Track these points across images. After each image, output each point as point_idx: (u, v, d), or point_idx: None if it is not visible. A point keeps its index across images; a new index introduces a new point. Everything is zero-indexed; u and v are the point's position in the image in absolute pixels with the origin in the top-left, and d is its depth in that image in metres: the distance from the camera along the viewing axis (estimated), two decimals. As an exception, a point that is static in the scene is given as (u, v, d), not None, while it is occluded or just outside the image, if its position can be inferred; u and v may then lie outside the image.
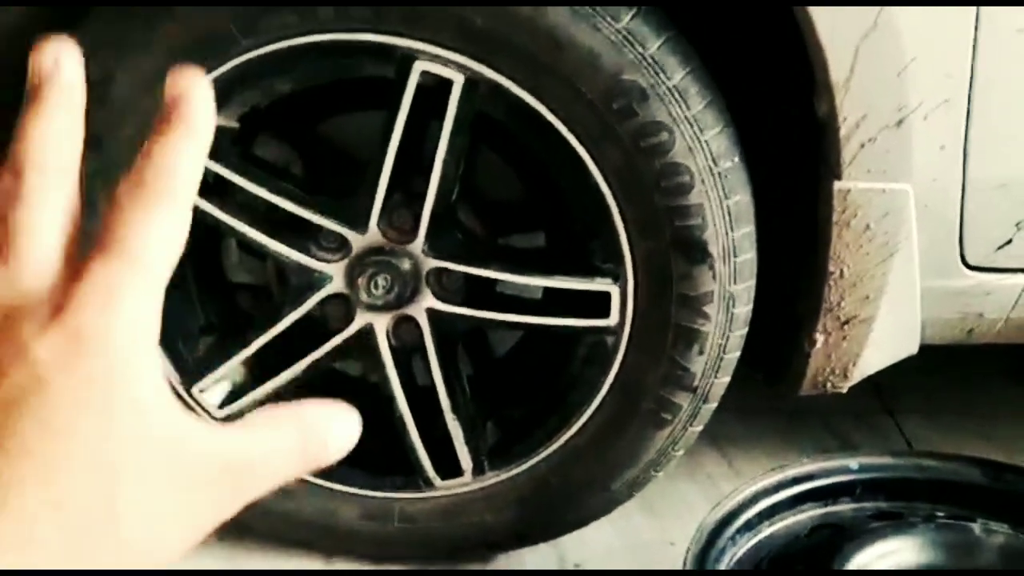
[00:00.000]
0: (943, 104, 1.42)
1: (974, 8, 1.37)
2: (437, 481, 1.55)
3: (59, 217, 0.44)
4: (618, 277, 1.43)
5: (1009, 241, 1.53)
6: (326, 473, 1.55)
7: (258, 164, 1.48)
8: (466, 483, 1.55)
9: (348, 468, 1.57)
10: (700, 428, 1.54)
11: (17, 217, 0.43)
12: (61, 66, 0.45)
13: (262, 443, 0.46)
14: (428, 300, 1.46)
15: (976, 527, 1.52)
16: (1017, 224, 1.52)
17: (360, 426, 0.48)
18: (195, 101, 0.45)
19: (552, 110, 1.35)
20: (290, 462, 0.46)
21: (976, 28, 1.38)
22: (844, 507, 1.58)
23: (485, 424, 1.60)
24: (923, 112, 1.41)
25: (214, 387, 1.49)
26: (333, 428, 0.48)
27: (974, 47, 1.39)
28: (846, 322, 1.52)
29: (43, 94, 0.45)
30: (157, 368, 0.43)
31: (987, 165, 1.47)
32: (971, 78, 1.41)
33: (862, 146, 1.41)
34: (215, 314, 1.61)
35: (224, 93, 1.37)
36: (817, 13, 1.32)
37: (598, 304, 1.45)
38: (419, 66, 1.33)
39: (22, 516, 0.40)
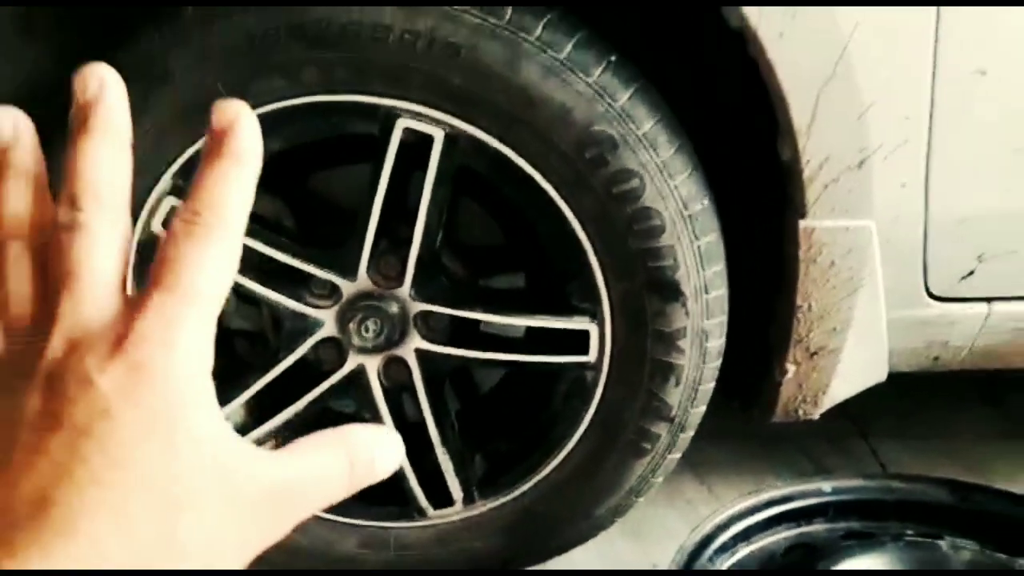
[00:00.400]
0: (903, 145, 1.46)
1: (932, 52, 1.41)
2: (430, 511, 1.60)
3: (116, 248, 0.45)
4: (596, 316, 1.48)
5: (971, 272, 1.58)
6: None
7: (252, 218, 1.52)
8: (457, 512, 1.60)
9: (347, 500, 1.61)
10: (678, 456, 1.59)
11: (78, 249, 0.44)
12: (105, 91, 0.45)
13: (312, 466, 0.47)
14: (416, 341, 1.50)
15: (944, 544, 1.55)
16: (979, 256, 1.56)
17: (403, 447, 0.50)
18: (242, 132, 0.45)
19: (528, 161, 1.40)
20: (339, 483, 0.47)
21: (934, 71, 1.43)
22: (817, 528, 1.61)
23: (474, 457, 1.65)
24: (883, 153, 1.46)
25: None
26: (378, 449, 0.49)
27: (932, 89, 1.44)
28: (815, 353, 1.57)
29: (90, 122, 0.45)
30: (212, 398, 0.44)
31: (947, 201, 1.51)
32: (930, 119, 1.46)
33: (825, 187, 1.46)
34: (215, 359, 1.65)
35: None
36: (779, 64, 1.37)
37: (577, 341, 1.50)
38: (401, 123, 1.38)
39: (93, 541, 0.40)
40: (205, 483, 0.43)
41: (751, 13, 1.35)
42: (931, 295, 1.59)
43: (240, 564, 0.45)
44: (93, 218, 0.44)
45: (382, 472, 0.49)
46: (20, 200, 0.45)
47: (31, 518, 0.40)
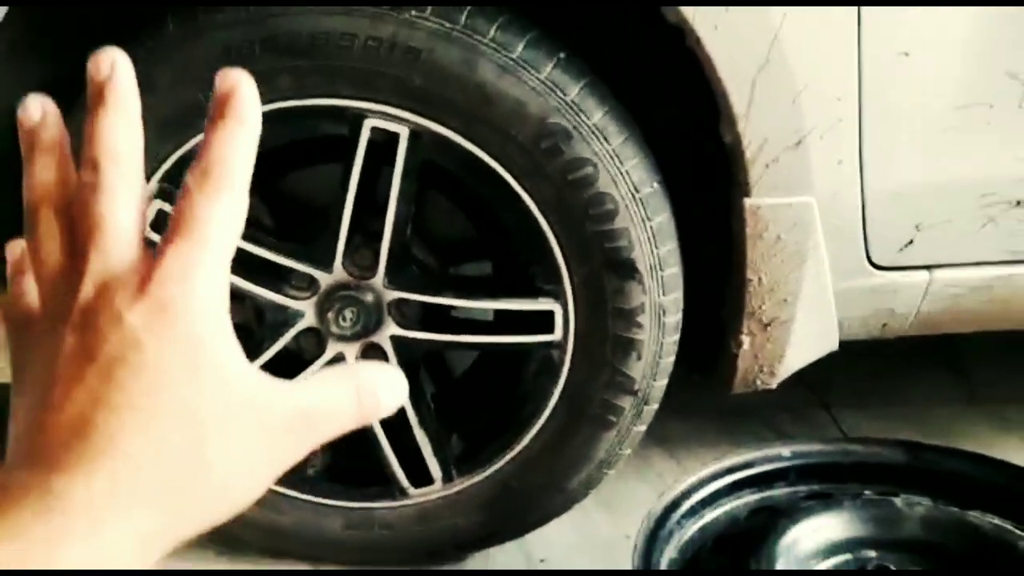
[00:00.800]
0: (836, 124, 1.69)
1: (856, 37, 1.64)
2: (411, 490, 1.84)
3: (133, 203, 0.53)
4: (559, 296, 1.71)
5: (911, 242, 1.80)
6: (312, 489, 1.85)
7: (233, 217, 1.77)
8: (437, 490, 1.84)
9: (331, 483, 1.87)
10: (644, 428, 1.82)
11: (100, 206, 0.52)
12: (116, 72, 0.53)
13: (323, 397, 0.54)
14: (391, 328, 1.74)
15: (899, 502, 1.72)
16: (916, 226, 1.79)
17: (407, 386, 0.57)
18: (243, 96, 0.53)
19: (489, 153, 1.63)
20: (348, 413, 0.55)
21: (859, 54, 1.65)
22: (779, 491, 1.80)
23: (450, 436, 1.89)
24: (819, 133, 1.68)
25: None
26: (383, 385, 0.56)
27: (859, 71, 1.66)
28: (768, 324, 1.80)
29: (105, 99, 0.53)
30: (230, 331, 0.52)
31: (882, 175, 1.74)
32: (859, 99, 1.68)
33: (767, 166, 1.68)
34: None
35: (200, 159, 1.67)
36: (716, 55, 1.60)
37: (543, 322, 1.73)
38: (369, 123, 1.63)
39: (130, 461, 0.48)
40: (228, 407, 0.50)
41: (687, 10, 1.58)
42: (874, 265, 1.81)
43: (262, 483, 0.53)
44: (111, 178, 0.52)
45: (387, 407, 0.56)
46: (48, 170, 0.54)
47: (74, 439, 0.48)
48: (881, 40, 1.67)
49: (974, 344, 2.13)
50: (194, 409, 0.50)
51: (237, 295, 1.74)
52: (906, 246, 1.82)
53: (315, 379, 0.56)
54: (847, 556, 1.69)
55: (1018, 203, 1.81)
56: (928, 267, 1.85)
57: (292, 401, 0.53)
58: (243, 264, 1.70)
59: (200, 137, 1.45)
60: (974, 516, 1.72)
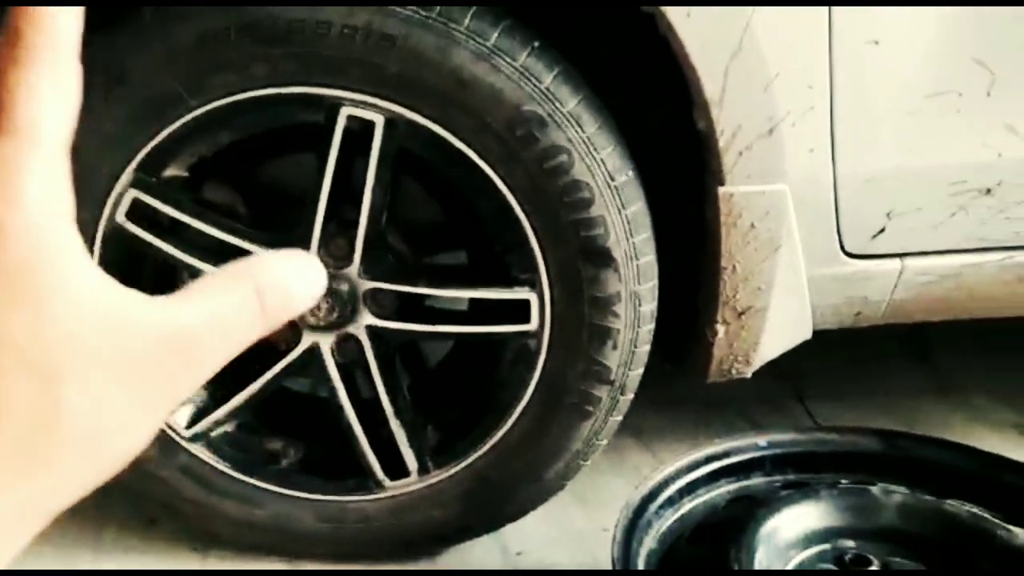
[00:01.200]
0: (808, 112, 1.78)
1: (827, 25, 1.73)
2: (386, 482, 1.92)
3: None
4: (535, 285, 1.79)
5: (882, 230, 1.90)
6: (286, 481, 1.93)
7: (207, 206, 1.85)
8: (413, 482, 1.92)
9: (306, 476, 1.95)
10: (620, 418, 1.90)
11: None
12: None
13: (211, 307, 0.46)
14: (367, 318, 1.83)
15: (876, 490, 1.80)
16: (887, 214, 1.89)
17: (324, 274, 0.50)
18: None
19: (463, 141, 1.71)
20: (247, 324, 0.47)
21: (830, 42, 1.75)
22: (756, 481, 1.90)
23: (426, 427, 1.97)
24: (791, 120, 1.77)
25: (180, 409, 1.86)
26: (294, 277, 0.49)
27: (830, 60, 1.76)
28: (742, 312, 1.89)
29: None
30: (79, 247, 0.44)
31: (853, 163, 1.83)
32: (830, 87, 1.77)
33: (740, 154, 1.77)
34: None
35: (176, 148, 1.75)
36: (689, 41, 1.68)
37: (519, 311, 1.81)
38: (345, 111, 1.70)
39: None
40: (85, 344, 0.43)
41: (660, -4, 1.68)
42: (847, 253, 1.91)
43: (144, 429, 0.46)
44: None
45: (302, 303, 0.49)
46: None
47: None
48: (851, 28, 1.76)
49: (943, 334, 2.23)
50: (41, 354, 0.42)
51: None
52: (878, 234, 1.91)
53: (201, 286, 0.48)
54: (825, 545, 1.76)
55: (988, 191, 1.91)
56: (900, 255, 1.94)
57: (171, 319, 0.46)
58: (217, 253, 1.78)
59: (183, 120, 1.53)
60: (951, 504, 1.79)
